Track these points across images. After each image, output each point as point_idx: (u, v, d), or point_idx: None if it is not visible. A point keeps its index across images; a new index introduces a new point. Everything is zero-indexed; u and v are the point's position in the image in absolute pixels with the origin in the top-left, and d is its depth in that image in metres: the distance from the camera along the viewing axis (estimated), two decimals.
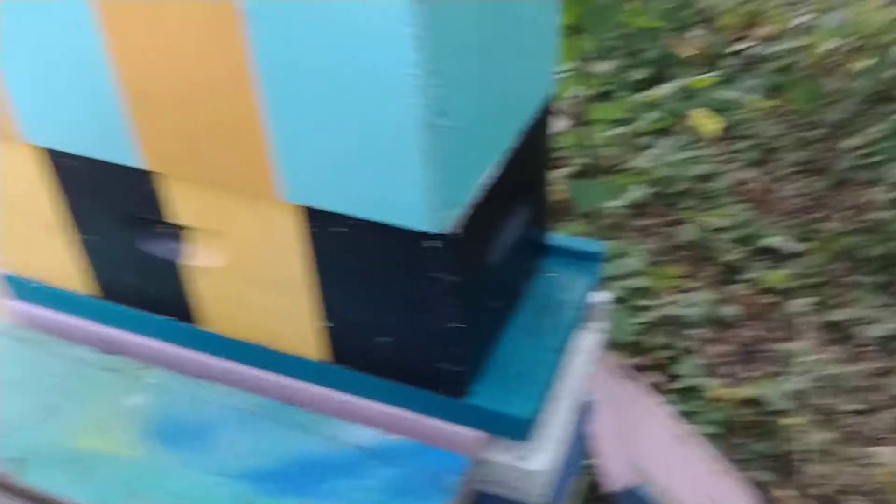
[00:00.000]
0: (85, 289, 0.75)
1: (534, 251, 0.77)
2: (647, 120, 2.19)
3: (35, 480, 0.63)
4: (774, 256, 1.84)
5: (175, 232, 0.67)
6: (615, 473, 1.06)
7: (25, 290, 0.78)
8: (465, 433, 0.65)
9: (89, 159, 0.64)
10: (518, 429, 0.64)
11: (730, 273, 1.80)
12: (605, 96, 2.35)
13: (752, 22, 2.77)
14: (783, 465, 1.39)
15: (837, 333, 1.64)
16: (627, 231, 1.92)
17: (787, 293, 1.73)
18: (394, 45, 0.47)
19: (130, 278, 0.72)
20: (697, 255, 1.85)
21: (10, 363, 0.73)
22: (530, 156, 0.69)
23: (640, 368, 1.56)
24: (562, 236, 0.81)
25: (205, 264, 0.67)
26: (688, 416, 1.46)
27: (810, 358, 1.58)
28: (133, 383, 0.71)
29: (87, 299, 0.75)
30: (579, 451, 0.88)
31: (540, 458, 0.65)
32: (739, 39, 2.70)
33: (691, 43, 2.55)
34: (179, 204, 0.64)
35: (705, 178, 2.08)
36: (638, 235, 1.91)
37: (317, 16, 0.49)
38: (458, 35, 0.51)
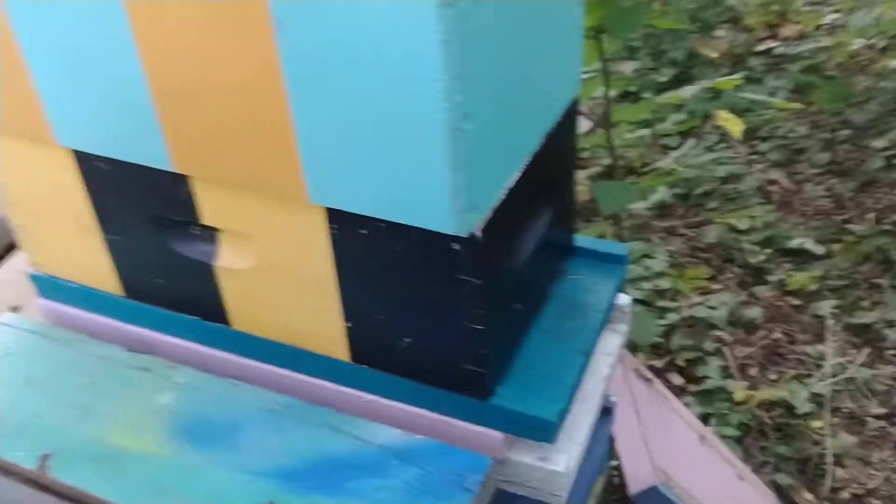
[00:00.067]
0: (114, 289, 0.76)
1: (558, 253, 0.78)
2: (672, 121, 2.19)
3: (64, 477, 0.64)
4: (800, 258, 1.83)
5: (204, 233, 0.68)
6: (637, 475, 1.06)
7: (55, 289, 0.79)
8: (490, 434, 0.66)
9: (120, 162, 0.65)
10: (543, 431, 0.65)
11: (755, 275, 1.79)
12: (629, 97, 2.35)
13: (778, 21, 2.76)
14: (807, 469, 1.39)
15: (864, 336, 1.63)
16: (652, 232, 1.92)
17: (813, 295, 1.72)
18: (420, 50, 0.48)
19: (159, 279, 0.73)
20: (722, 256, 1.85)
21: (41, 361, 0.74)
22: (555, 158, 0.69)
23: (664, 370, 1.56)
24: (586, 238, 0.81)
25: (233, 265, 0.68)
26: (711, 418, 1.45)
27: (836, 361, 1.57)
28: (162, 382, 0.72)
29: (117, 299, 0.76)
30: (601, 453, 0.88)
31: (562, 459, 0.66)
32: (765, 39, 2.68)
33: (717, 43, 2.53)
34: (208, 206, 0.65)
35: (730, 179, 2.07)
36: (662, 237, 1.91)
37: (344, 20, 0.49)
38: (484, 40, 0.51)
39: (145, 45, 0.57)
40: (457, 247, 0.56)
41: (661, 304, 1.69)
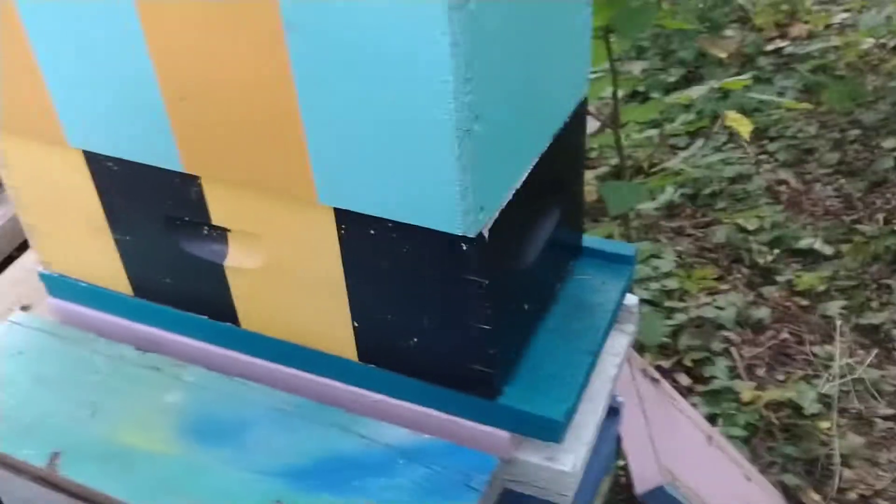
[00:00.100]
0: (124, 288, 0.76)
1: (566, 253, 0.78)
2: (681, 121, 2.19)
3: (73, 475, 0.65)
4: (808, 259, 1.82)
5: (213, 234, 0.68)
6: (644, 475, 1.06)
7: (65, 288, 0.79)
8: (497, 434, 0.66)
9: (130, 162, 0.66)
10: (551, 430, 0.65)
11: (763, 275, 1.79)
12: (637, 97, 2.35)
13: (787, 21, 2.75)
14: (814, 470, 1.38)
15: (872, 337, 1.63)
16: (660, 232, 1.92)
17: (821, 296, 1.72)
18: (429, 52, 0.48)
19: (168, 278, 0.73)
20: (730, 256, 1.84)
21: (50, 360, 0.75)
22: (563, 158, 0.69)
23: (671, 370, 1.56)
24: (594, 238, 0.81)
25: (242, 265, 0.68)
26: (718, 418, 1.45)
27: (844, 361, 1.56)
28: (171, 381, 0.72)
29: (126, 298, 0.77)
30: (608, 453, 0.88)
31: (569, 458, 0.66)
32: (775, 39, 2.67)
33: (725, 43, 2.53)
34: (218, 206, 0.66)
35: (739, 179, 2.07)
36: (670, 237, 1.91)
37: (353, 22, 0.50)
38: (493, 42, 0.51)
39: (156, 46, 0.58)
40: (465, 247, 0.56)
41: (668, 304, 1.69)
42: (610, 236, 1.55)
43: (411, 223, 0.57)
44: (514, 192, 0.60)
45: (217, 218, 0.66)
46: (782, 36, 2.69)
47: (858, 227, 1.90)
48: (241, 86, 0.56)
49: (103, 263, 0.75)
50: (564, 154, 0.69)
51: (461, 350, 0.63)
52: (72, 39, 0.61)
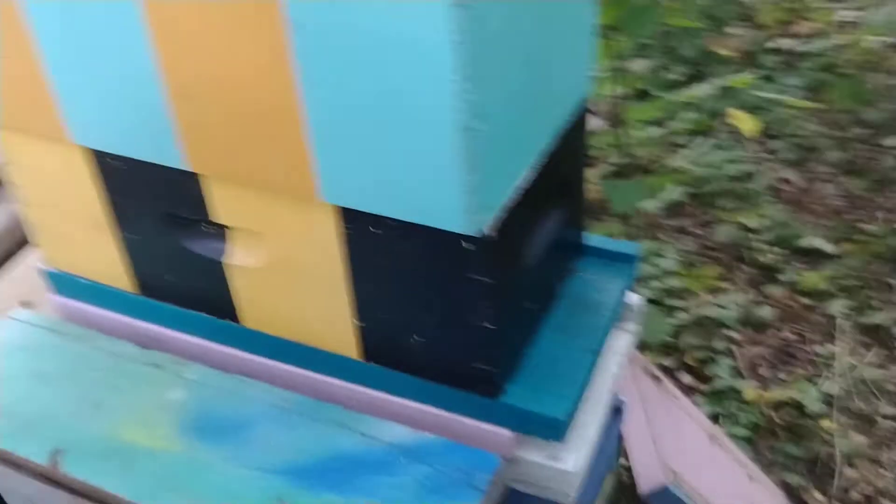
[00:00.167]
0: (126, 285, 0.76)
1: (569, 252, 0.78)
2: (684, 119, 2.18)
3: (75, 472, 0.65)
4: (811, 258, 1.82)
5: (217, 232, 0.68)
6: (646, 474, 1.06)
7: (68, 285, 0.79)
8: (499, 433, 0.66)
9: (134, 160, 0.66)
10: (553, 429, 0.65)
11: (766, 274, 1.78)
12: (641, 95, 2.34)
13: (792, 19, 2.74)
14: (817, 469, 1.38)
15: (875, 336, 1.63)
16: (662, 231, 1.91)
17: (824, 295, 1.72)
18: (434, 50, 0.48)
19: (170, 276, 0.73)
20: (733, 255, 1.84)
21: (52, 357, 0.75)
22: (566, 157, 0.69)
23: (674, 369, 1.56)
24: (597, 237, 0.81)
25: (244, 263, 0.68)
26: (722, 417, 1.45)
27: (847, 361, 1.56)
28: (173, 379, 0.72)
29: (128, 296, 0.77)
30: (611, 452, 0.88)
31: (572, 458, 0.66)
32: (779, 37, 2.66)
33: (730, 41, 2.52)
34: (221, 204, 0.65)
35: (742, 177, 2.06)
36: (673, 236, 1.90)
37: (357, 20, 0.50)
38: (497, 40, 0.51)
39: (160, 44, 0.58)
40: (469, 246, 0.56)
41: (671, 303, 1.68)
42: (613, 235, 1.54)
43: (414, 222, 0.57)
44: (517, 190, 0.60)
45: (219, 216, 0.66)
46: (787, 34, 2.68)
47: (861, 226, 1.90)
48: (244, 84, 0.56)
49: (105, 260, 0.75)
50: (568, 152, 0.69)
51: (464, 348, 0.63)
52: (75, 37, 0.61)
